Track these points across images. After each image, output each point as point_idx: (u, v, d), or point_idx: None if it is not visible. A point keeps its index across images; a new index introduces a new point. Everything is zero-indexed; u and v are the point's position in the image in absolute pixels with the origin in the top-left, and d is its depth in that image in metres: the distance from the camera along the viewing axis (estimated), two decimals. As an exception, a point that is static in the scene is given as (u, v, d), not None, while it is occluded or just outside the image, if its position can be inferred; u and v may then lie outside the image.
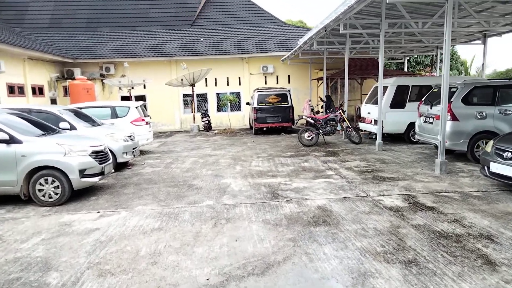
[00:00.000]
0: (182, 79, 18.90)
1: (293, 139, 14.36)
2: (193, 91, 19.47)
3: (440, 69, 21.92)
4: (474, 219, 4.91)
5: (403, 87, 11.64)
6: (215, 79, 21.55)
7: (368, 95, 13.04)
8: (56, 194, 6.27)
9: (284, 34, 23.84)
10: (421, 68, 24.18)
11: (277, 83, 21.82)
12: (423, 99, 9.69)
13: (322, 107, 17.93)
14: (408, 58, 20.64)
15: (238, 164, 9.58)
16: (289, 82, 21.88)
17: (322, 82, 20.08)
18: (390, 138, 13.04)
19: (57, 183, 6.24)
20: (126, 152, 9.32)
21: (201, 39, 22.82)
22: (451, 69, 21.36)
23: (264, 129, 16.49)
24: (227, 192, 6.74)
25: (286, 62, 21.10)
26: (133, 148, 9.71)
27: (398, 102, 11.61)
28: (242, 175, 8.11)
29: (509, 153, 5.79)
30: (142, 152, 12.19)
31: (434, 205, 5.55)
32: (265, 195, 6.43)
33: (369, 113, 12.35)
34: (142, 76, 20.42)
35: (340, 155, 10.24)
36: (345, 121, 12.46)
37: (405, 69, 21.07)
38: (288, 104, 16.37)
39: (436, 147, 9.52)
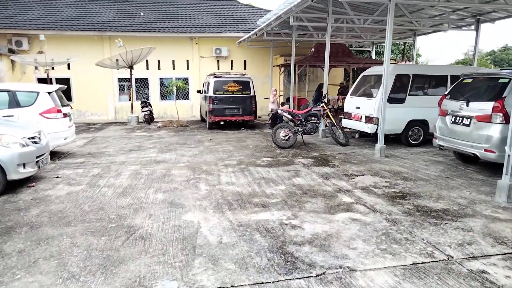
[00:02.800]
0: (117, 60, 15.24)
1: (260, 137, 11.62)
2: (131, 75, 15.87)
3: (406, 57, 20.43)
4: None
5: (403, 76, 9.39)
6: (158, 61, 18.07)
7: (354, 86, 10.66)
8: None
9: (240, 13, 20.92)
10: (398, 56, 22.62)
11: (231, 68, 18.88)
12: (447, 93, 7.44)
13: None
14: (375, 46, 18.82)
15: (201, 179, 6.65)
16: (245, 68, 19.04)
17: (286, 69, 17.55)
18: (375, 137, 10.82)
19: None
20: (25, 164, 5.95)
21: (141, 14, 19.10)
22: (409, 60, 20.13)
23: (221, 123, 13.55)
24: (198, 250, 3.82)
25: (243, 45, 18.20)
26: (39, 156, 6.35)
27: (396, 96, 9.34)
28: (214, 205, 5.22)
29: None
30: (57, 156, 8.71)
31: None
32: (270, 259, 3.61)
33: (357, 107, 9.97)
34: (66, 54, 16.34)
35: (335, 164, 7.71)
36: (330, 117, 9.97)
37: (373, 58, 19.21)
38: (250, 93, 13.58)
39: (462, 155, 7.34)
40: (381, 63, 15.73)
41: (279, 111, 9.89)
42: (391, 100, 9.20)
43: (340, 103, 14.89)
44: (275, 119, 13.84)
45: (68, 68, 17.11)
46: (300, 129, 9.71)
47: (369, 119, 9.46)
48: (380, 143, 8.35)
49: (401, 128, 9.45)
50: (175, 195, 5.66)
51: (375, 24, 12.40)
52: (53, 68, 16.76)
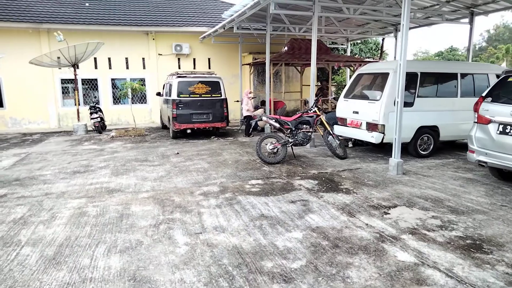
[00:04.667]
0: (59, 57, 12.70)
1: (237, 149, 9.72)
2: (75, 75, 13.34)
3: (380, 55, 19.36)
4: None
5: (409, 75, 7.85)
6: (109, 59, 15.61)
7: (348, 86, 9.04)
8: None
9: (203, 6, 18.87)
10: (367, 55, 21.48)
11: (194, 68, 16.80)
12: (485, 94, 5.94)
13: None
14: (351, 44, 17.54)
15: (174, 221, 4.66)
16: (209, 67, 17.05)
17: (256, 68, 15.77)
18: (372, 146, 9.32)
19: None
20: None
21: (87, 4, 16.50)
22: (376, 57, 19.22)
23: (188, 131, 11.48)
24: None
25: (207, 41, 16.20)
26: None
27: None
28: (205, 281, 3.27)
29: None
30: (-32, 187, 6.32)
31: None
32: None
33: (355, 112, 8.35)
34: (-7, 50, 13.57)
35: (348, 187, 6.00)
36: (324, 125, 8.26)
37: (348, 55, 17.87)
38: (221, 96, 11.64)
39: (499, 171, 5.88)
40: (369, 61, 14.47)
41: (264, 119, 8.03)
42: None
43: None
44: (250, 126, 12.03)
45: (-3, 67, 14.23)
46: (290, 140, 7.93)
47: (372, 127, 7.86)
48: (396, 157, 6.74)
49: (410, 136, 7.94)
50: (139, 260, 3.64)
51: (364, 15, 10.86)
52: (-24, 67, 13.87)
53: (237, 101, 14.91)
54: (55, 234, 4.33)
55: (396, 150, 6.73)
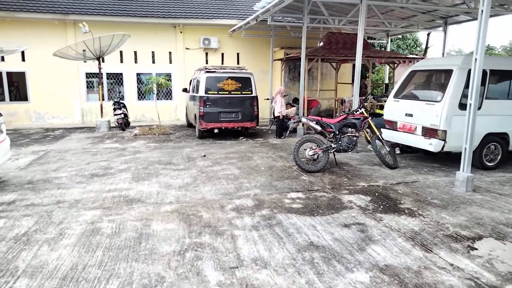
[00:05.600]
0: (84, 50, 12.11)
1: (269, 152, 8.80)
2: (100, 68, 12.74)
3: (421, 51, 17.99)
4: None
5: (477, 73, 6.70)
6: (135, 53, 14.99)
7: (399, 84, 7.94)
8: None
9: (232, -4, 17.94)
10: (405, 52, 20.11)
11: (222, 63, 15.97)
12: None
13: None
14: (391, 38, 16.26)
15: (203, 247, 3.79)
16: (238, 63, 16.18)
17: (287, 64, 14.80)
18: (423, 154, 8.19)
19: None
20: None
21: (114, -5, 15.87)
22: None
23: (215, 130, 10.64)
24: None
25: (236, 35, 15.34)
26: None
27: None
28: None
29: None
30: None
31: None
32: None
33: (408, 115, 7.27)
34: (19, 40, 13.15)
35: (410, 207, 4.98)
36: (372, 128, 7.22)
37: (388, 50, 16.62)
38: (251, 93, 10.75)
39: None
40: (413, 58, 13.25)
41: (304, 120, 7.05)
42: (463, 106, 6.54)
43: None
44: (282, 127, 11.10)
45: (23, 59, 13.84)
46: (333, 145, 6.94)
47: (431, 132, 6.76)
48: (465, 171, 5.66)
49: (475, 145, 6.79)
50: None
51: (415, 5, 9.72)
52: (2, 58, 13.50)
53: (267, 99, 13.98)
54: (60, 260, 3.54)
55: (466, 162, 5.64)
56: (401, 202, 5.20)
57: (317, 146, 6.92)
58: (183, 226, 4.36)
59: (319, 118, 7.16)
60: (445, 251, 3.69)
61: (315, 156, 6.91)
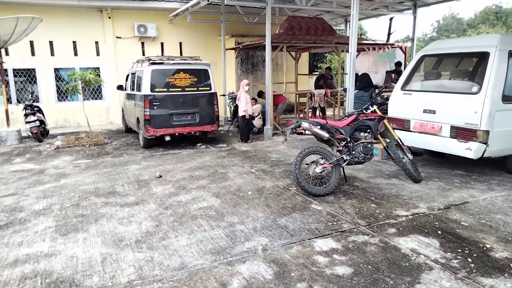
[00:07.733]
0: (-25, 38, 8.97)
1: (243, 163, 6.75)
2: (2, 63, 9.63)
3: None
4: None
5: (516, 55, 5.30)
6: (51, 43, 11.97)
7: (407, 73, 6.33)
8: None
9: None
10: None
11: (162, 54, 13.49)
12: None
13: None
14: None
15: None
16: (181, 53, 13.82)
17: (240, 54, 12.81)
18: (446, 159, 6.75)
19: None
20: None
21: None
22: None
23: (167, 138, 8.32)
24: None
25: (178, 21, 12.97)
26: None
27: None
28: None
29: None
30: None
31: None
32: None
33: (429, 111, 5.70)
34: None
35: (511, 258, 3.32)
36: (390, 132, 5.50)
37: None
38: (210, 89, 8.62)
39: None
40: (389, 45, 11.77)
41: (305, 125, 5.09)
42: (507, 98, 5.10)
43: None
44: (249, 129, 9.15)
45: None
46: (345, 157, 5.11)
47: (465, 133, 5.23)
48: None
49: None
50: None
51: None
52: None
53: (223, 95, 11.87)
54: None
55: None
56: (485, 245, 3.52)
57: (325, 159, 5.04)
58: None
59: (323, 121, 5.27)
60: None
61: (323, 173, 5.03)
